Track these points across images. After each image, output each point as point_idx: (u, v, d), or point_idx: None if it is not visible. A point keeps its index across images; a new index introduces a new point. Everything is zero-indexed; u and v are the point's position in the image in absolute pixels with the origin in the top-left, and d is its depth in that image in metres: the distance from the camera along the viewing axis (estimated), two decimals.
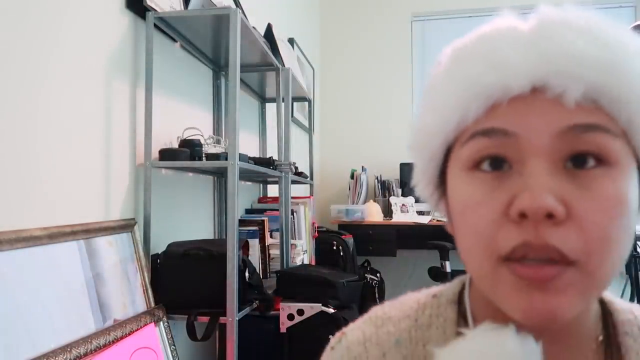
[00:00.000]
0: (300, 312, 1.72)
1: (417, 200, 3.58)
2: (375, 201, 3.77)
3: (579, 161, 0.36)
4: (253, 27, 1.83)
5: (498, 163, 0.38)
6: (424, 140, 0.44)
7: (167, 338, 1.38)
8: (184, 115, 1.80)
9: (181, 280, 1.45)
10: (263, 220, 2.11)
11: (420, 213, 3.60)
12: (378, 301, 1.69)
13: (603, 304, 0.46)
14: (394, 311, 0.50)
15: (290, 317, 1.72)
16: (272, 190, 2.69)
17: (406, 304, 0.51)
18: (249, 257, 1.77)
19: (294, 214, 2.45)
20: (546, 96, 0.36)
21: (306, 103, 2.98)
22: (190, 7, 1.59)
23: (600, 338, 0.44)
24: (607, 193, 0.35)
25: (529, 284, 0.35)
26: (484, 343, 0.39)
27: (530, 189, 0.35)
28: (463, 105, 0.39)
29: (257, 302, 1.61)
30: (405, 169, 3.76)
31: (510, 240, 0.36)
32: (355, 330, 0.50)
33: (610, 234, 0.35)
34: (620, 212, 0.35)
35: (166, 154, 1.50)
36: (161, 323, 1.39)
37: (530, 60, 0.37)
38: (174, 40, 1.70)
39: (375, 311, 0.52)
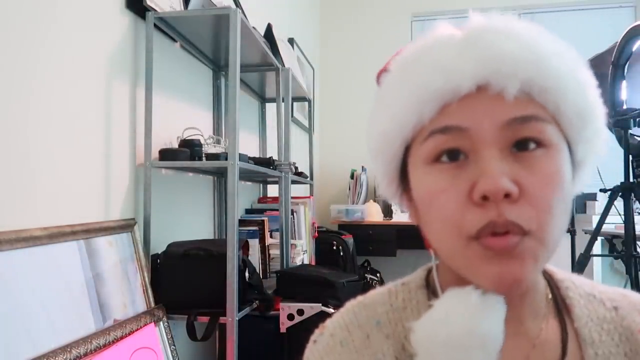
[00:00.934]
0: (300, 312, 1.72)
1: None
2: (375, 201, 3.77)
3: (522, 145, 0.43)
4: (253, 27, 1.83)
5: (455, 155, 0.44)
6: (384, 144, 0.49)
7: (167, 338, 1.38)
8: (184, 115, 1.80)
9: (181, 280, 1.45)
10: (263, 220, 2.11)
11: None
12: None
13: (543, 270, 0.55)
14: (368, 300, 0.55)
15: (290, 317, 1.72)
16: (272, 190, 2.69)
17: (378, 294, 0.55)
18: (249, 257, 1.77)
19: (294, 214, 2.45)
20: (489, 93, 0.43)
21: (306, 103, 2.98)
22: (190, 7, 1.59)
23: (550, 296, 0.52)
24: (547, 170, 0.42)
25: (497, 254, 0.42)
26: (451, 303, 0.44)
27: (487, 174, 0.41)
28: (418, 109, 0.44)
29: (257, 302, 1.61)
30: None
31: (477, 222, 0.42)
32: (335, 321, 0.54)
33: (554, 204, 0.42)
34: (559, 184, 0.43)
35: (166, 154, 1.50)
36: (161, 323, 1.39)
37: (472, 64, 0.42)
38: (174, 40, 1.70)
39: (350, 303, 0.56)
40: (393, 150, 0.49)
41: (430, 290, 0.53)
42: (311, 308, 1.71)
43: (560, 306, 0.52)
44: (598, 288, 0.54)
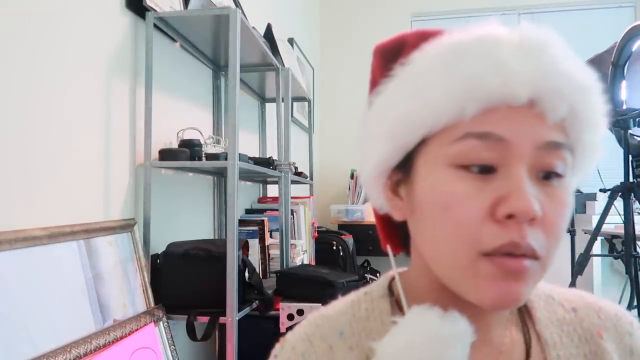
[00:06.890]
0: (300, 312, 1.71)
1: None
2: None
3: (547, 174, 0.42)
4: (253, 27, 1.83)
5: (486, 167, 0.41)
6: (400, 128, 0.44)
7: (167, 338, 1.38)
8: (183, 115, 1.80)
9: (181, 280, 1.45)
10: (263, 220, 2.11)
11: None
12: None
13: None
14: (330, 311, 0.53)
15: (290, 317, 1.71)
16: (272, 190, 2.69)
17: (340, 304, 0.53)
18: (249, 257, 1.76)
19: (294, 214, 2.45)
20: (534, 110, 0.40)
21: (306, 103, 2.98)
22: (190, 7, 1.59)
23: None
24: (563, 200, 0.42)
25: (505, 275, 0.40)
26: (415, 327, 0.43)
27: (521, 193, 0.39)
28: (461, 103, 0.40)
29: (257, 302, 1.61)
30: None
31: (496, 239, 0.40)
32: (297, 333, 0.52)
33: (561, 233, 0.42)
34: (567, 214, 0.42)
35: (166, 154, 1.50)
36: (161, 323, 1.39)
37: (531, 73, 0.39)
38: (174, 40, 1.70)
39: (312, 315, 0.53)
40: (409, 138, 0.44)
41: (394, 299, 0.51)
42: (311, 308, 1.71)
43: (522, 309, 0.52)
44: (556, 290, 0.54)
